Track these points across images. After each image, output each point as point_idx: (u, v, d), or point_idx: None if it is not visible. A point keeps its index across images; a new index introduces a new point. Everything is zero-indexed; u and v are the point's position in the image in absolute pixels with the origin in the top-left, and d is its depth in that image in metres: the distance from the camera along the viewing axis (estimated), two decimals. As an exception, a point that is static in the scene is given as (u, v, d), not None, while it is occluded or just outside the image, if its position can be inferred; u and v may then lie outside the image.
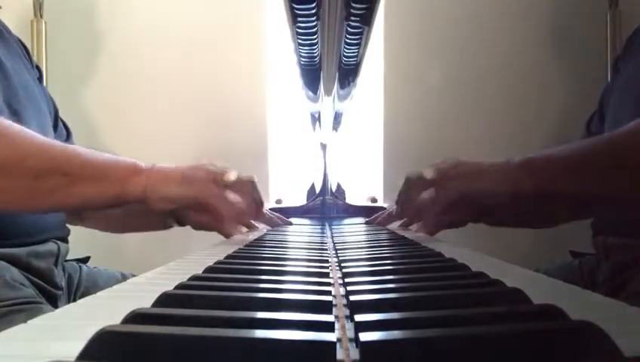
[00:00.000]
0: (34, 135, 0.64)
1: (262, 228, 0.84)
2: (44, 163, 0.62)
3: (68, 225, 0.87)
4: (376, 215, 0.94)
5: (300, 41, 0.63)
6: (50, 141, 0.65)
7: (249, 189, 0.73)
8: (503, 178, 0.65)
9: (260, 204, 0.76)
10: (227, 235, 0.72)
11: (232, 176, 0.69)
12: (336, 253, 0.52)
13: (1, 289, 0.66)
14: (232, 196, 0.72)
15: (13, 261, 0.71)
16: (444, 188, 0.66)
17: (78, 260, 0.91)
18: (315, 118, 1.09)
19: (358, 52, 0.68)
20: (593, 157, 0.64)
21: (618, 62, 0.93)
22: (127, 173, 0.65)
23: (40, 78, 0.92)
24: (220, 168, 0.70)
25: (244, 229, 0.80)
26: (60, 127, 0.95)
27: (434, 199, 0.68)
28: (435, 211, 0.67)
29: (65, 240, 0.83)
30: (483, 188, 0.65)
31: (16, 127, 0.63)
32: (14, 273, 0.70)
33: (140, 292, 0.37)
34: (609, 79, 0.95)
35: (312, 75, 0.76)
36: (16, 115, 0.74)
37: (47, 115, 0.86)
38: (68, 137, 0.97)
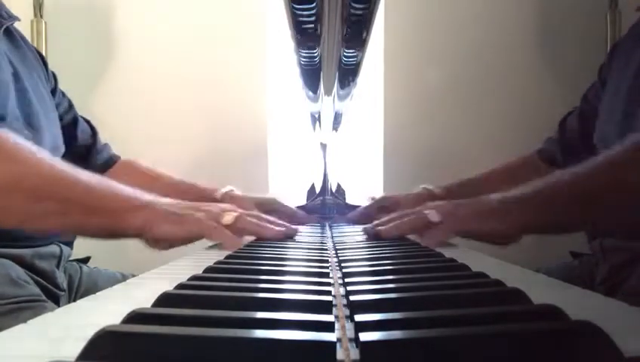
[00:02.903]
0: (38, 154, 0.61)
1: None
2: (42, 186, 0.60)
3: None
4: (356, 212, 0.97)
5: (300, 42, 0.63)
6: (53, 163, 0.62)
7: (251, 227, 0.67)
8: (505, 217, 0.63)
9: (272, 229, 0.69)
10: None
11: (227, 219, 0.65)
12: (337, 253, 0.52)
13: (8, 287, 0.67)
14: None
15: (18, 260, 0.72)
16: (446, 227, 0.64)
17: (79, 260, 0.92)
18: (315, 118, 1.09)
19: (358, 52, 0.68)
20: (595, 185, 0.62)
21: (603, 71, 0.93)
22: (126, 208, 0.63)
23: (55, 86, 0.93)
24: (221, 209, 0.67)
25: None
26: (81, 129, 0.95)
27: (434, 232, 0.65)
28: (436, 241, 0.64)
29: (68, 244, 0.84)
30: (487, 230, 0.63)
31: (21, 144, 0.61)
32: (20, 272, 0.71)
33: (140, 292, 0.37)
34: (595, 82, 0.95)
35: (312, 75, 0.76)
36: (30, 124, 0.76)
37: (59, 128, 0.87)
38: (94, 138, 0.98)
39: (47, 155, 0.62)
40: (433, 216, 0.65)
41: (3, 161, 0.59)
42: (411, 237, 0.69)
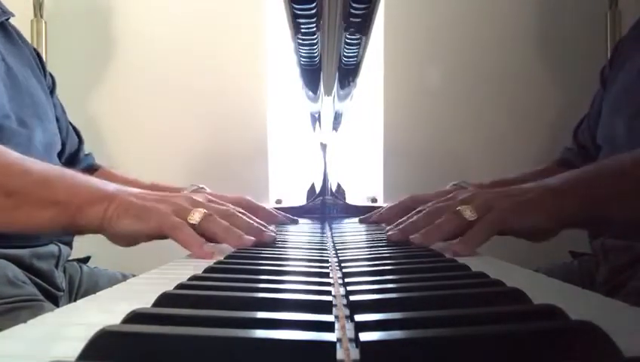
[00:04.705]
0: None
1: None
2: None
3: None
4: (371, 213, 0.89)
5: (299, 41, 0.63)
6: (2, 154, 0.57)
7: (222, 226, 0.58)
8: (550, 210, 0.56)
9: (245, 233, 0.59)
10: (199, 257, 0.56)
11: (194, 218, 0.57)
12: (337, 253, 0.52)
13: (5, 287, 0.67)
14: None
15: (16, 261, 0.71)
16: (484, 224, 0.57)
17: (79, 260, 0.92)
18: (315, 118, 1.09)
19: (358, 52, 0.68)
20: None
21: (605, 72, 0.92)
22: (86, 200, 0.57)
23: (53, 88, 0.93)
24: (188, 204, 0.59)
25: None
26: (70, 136, 0.96)
27: (471, 232, 0.56)
28: (473, 246, 0.56)
29: (68, 243, 0.84)
30: (529, 225, 0.57)
31: None
32: (17, 272, 0.70)
33: (140, 292, 0.37)
34: (599, 87, 0.94)
35: (312, 75, 0.76)
36: (22, 122, 0.75)
37: (55, 124, 0.87)
38: (79, 146, 0.98)
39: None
40: (469, 213, 0.57)
41: None
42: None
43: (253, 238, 0.58)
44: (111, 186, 0.60)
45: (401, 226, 0.62)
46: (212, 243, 0.59)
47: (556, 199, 0.57)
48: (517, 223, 0.57)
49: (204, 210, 0.58)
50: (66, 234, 0.60)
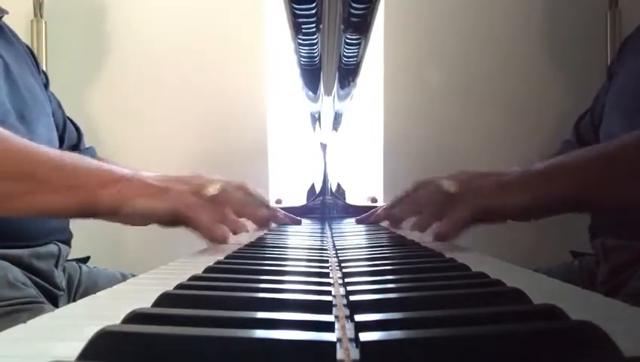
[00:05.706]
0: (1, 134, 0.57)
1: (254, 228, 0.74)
2: (5, 165, 0.56)
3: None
4: (366, 213, 0.89)
5: (300, 41, 0.63)
6: (16, 141, 0.58)
7: (238, 197, 0.62)
8: (535, 191, 0.56)
9: (259, 206, 0.65)
10: (214, 240, 0.61)
11: (212, 189, 0.60)
12: (336, 253, 0.52)
13: (5, 289, 0.66)
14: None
15: (15, 261, 0.71)
16: (466, 202, 0.57)
17: (78, 260, 0.92)
18: (315, 118, 1.09)
19: (358, 52, 0.68)
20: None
21: (612, 68, 0.92)
22: (100, 182, 0.58)
23: (47, 84, 0.93)
24: (204, 180, 0.62)
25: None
26: (68, 130, 0.95)
27: (453, 211, 0.57)
28: (455, 224, 0.57)
29: (66, 242, 0.84)
30: (511, 204, 0.56)
31: None
32: (17, 273, 0.70)
33: (140, 292, 0.37)
34: (605, 81, 0.94)
35: (312, 75, 0.76)
36: (22, 117, 0.75)
37: (52, 118, 0.87)
38: (79, 139, 0.98)
39: (8, 133, 0.58)
40: (449, 185, 0.58)
41: None
42: (410, 236, 0.67)
43: (268, 215, 0.63)
44: (126, 170, 0.61)
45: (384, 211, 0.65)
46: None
47: (543, 180, 0.57)
48: (497, 202, 0.57)
49: (221, 183, 0.61)
50: (81, 217, 0.60)
